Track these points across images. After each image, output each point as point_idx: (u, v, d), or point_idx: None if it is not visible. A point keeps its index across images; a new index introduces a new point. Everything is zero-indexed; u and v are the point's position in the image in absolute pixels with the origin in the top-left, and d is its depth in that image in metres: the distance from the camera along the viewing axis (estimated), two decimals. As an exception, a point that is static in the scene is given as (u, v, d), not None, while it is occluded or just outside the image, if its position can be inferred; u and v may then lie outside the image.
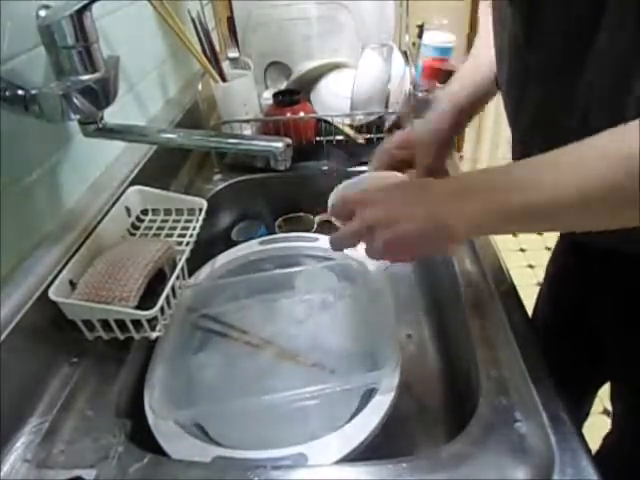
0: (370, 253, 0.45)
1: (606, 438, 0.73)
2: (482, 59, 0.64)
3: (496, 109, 1.96)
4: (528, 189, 0.37)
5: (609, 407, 1.30)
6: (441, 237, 0.41)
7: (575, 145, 0.36)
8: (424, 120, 0.67)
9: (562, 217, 0.38)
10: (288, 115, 0.89)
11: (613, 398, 0.69)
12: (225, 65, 0.94)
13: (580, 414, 0.88)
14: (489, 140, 2.33)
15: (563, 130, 0.43)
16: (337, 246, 0.47)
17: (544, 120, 0.49)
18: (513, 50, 0.50)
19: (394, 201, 0.44)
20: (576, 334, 0.74)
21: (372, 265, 0.68)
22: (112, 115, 0.54)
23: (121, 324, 0.52)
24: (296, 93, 0.92)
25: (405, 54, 0.96)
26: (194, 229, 0.65)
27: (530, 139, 0.53)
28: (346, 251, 0.72)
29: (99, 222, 0.60)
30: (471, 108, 0.66)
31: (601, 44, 0.40)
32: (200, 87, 0.85)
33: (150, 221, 0.67)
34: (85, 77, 0.47)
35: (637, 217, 0.33)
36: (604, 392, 0.79)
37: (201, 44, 0.87)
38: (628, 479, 0.64)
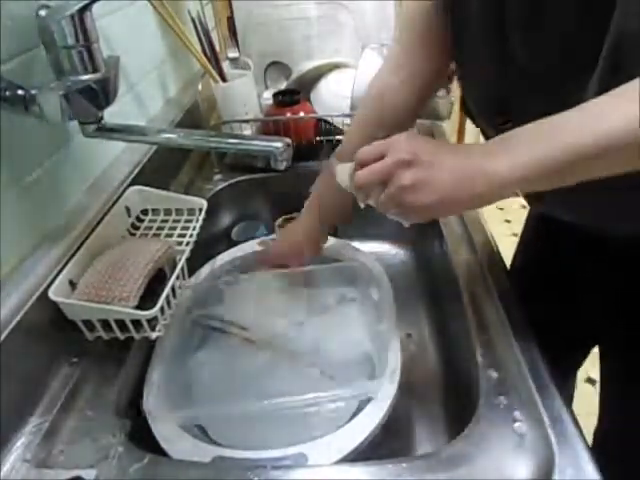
0: (390, 200, 0.42)
1: (596, 432, 0.73)
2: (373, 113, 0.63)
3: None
4: (569, 135, 0.36)
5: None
6: (477, 187, 0.40)
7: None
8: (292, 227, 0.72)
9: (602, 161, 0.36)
10: (288, 115, 0.89)
11: (602, 384, 0.69)
12: (225, 65, 0.94)
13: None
14: None
15: None
16: (363, 182, 0.44)
17: None
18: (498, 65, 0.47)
19: (430, 146, 0.43)
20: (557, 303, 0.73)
21: (374, 266, 0.68)
22: (112, 115, 0.54)
23: (121, 324, 0.52)
24: (296, 93, 0.92)
25: (405, 54, 0.96)
26: (194, 229, 0.65)
27: None
28: (348, 254, 0.73)
29: (99, 222, 0.60)
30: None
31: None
32: (200, 87, 0.85)
33: (150, 221, 0.67)
34: (85, 77, 0.47)
35: None
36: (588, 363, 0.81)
37: (201, 44, 0.87)
38: (624, 465, 0.64)
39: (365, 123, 0.64)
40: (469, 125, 2.33)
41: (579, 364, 0.86)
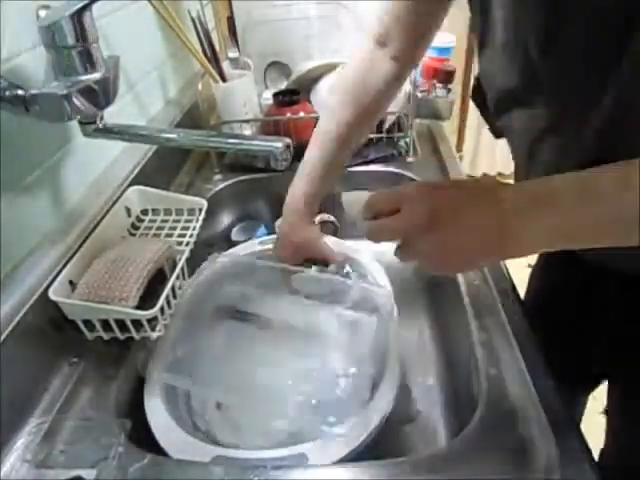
0: (406, 255, 0.41)
1: (602, 453, 0.73)
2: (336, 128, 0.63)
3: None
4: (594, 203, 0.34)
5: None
6: (507, 250, 0.38)
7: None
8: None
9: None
10: (288, 115, 0.89)
11: (610, 410, 0.69)
12: (225, 65, 0.94)
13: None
14: (488, 136, 2.32)
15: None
16: (374, 237, 0.41)
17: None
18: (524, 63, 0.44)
19: (448, 202, 0.38)
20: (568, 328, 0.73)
21: (374, 266, 0.68)
22: (112, 115, 0.54)
23: (121, 324, 0.52)
24: (296, 93, 0.92)
25: (405, 54, 0.96)
26: (194, 229, 0.65)
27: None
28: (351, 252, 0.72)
29: (99, 222, 0.60)
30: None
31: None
32: (200, 87, 0.85)
33: (150, 221, 0.67)
34: (85, 77, 0.47)
35: None
36: (601, 392, 0.78)
37: (201, 44, 0.87)
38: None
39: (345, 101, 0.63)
40: (469, 125, 2.33)
41: (589, 388, 0.83)
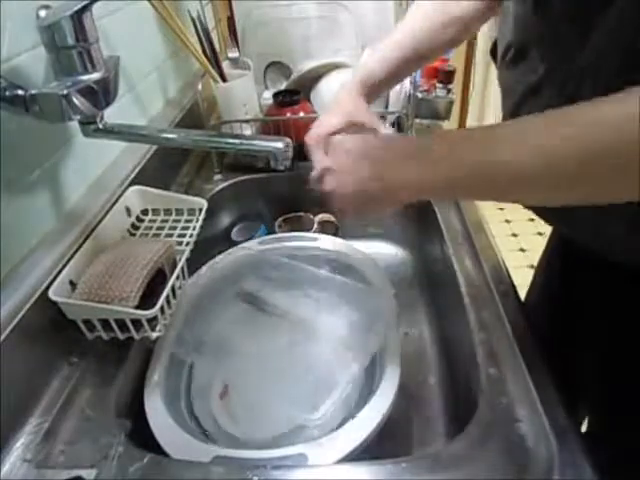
0: (325, 183, 0.49)
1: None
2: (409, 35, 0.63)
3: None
4: (491, 154, 0.37)
5: None
6: (379, 199, 0.45)
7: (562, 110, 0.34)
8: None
9: (524, 189, 0.37)
10: (288, 115, 0.89)
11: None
12: (225, 65, 0.94)
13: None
14: (492, 115, 2.31)
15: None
16: (312, 184, 0.52)
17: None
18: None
19: (354, 151, 0.47)
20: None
21: (374, 266, 0.68)
22: (112, 115, 0.54)
23: (121, 324, 0.52)
24: (296, 93, 0.92)
25: (405, 54, 0.96)
26: (194, 229, 0.65)
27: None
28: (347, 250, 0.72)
29: (99, 222, 0.60)
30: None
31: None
32: (200, 87, 0.85)
33: (150, 221, 0.67)
34: (85, 77, 0.47)
35: (633, 188, 0.31)
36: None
37: (201, 44, 0.87)
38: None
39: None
40: (469, 125, 2.33)
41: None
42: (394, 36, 0.64)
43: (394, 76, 0.66)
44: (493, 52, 0.58)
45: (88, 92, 0.47)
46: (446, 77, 1.04)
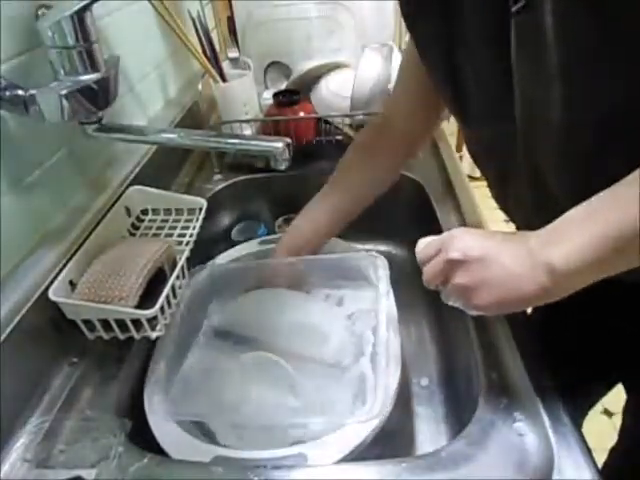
0: (447, 295, 0.44)
1: (612, 450, 0.72)
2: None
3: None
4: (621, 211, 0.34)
5: (609, 408, 1.28)
6: (535, 280, 0.37)
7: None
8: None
9: None
10: (288, 115, 0.89)
11: (625, 410, 0.68)
12: (225, 65, 0.94)
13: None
14: None
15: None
16: (425, 283, 0.46)
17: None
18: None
19: (480, 241, 0.41)
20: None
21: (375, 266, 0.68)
22: (112, 115, 0.54)
23: (121, 324, 0.52)
24: (296, 93, 0.92)
25: (405, 54, 0.96)
26: (194, 229, 0.65)
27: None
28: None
29: (99, 222, 0.60)
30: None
31: None
32: (200, 87, 0.85)
33: (150, 221, 0.67)
34: (85, 77, 0.47)
35: None
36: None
37: (201, 44, 0.87)
38: None
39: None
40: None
41: (595, 399, 0.81)
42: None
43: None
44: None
45: (88, 92, 0.48)
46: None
